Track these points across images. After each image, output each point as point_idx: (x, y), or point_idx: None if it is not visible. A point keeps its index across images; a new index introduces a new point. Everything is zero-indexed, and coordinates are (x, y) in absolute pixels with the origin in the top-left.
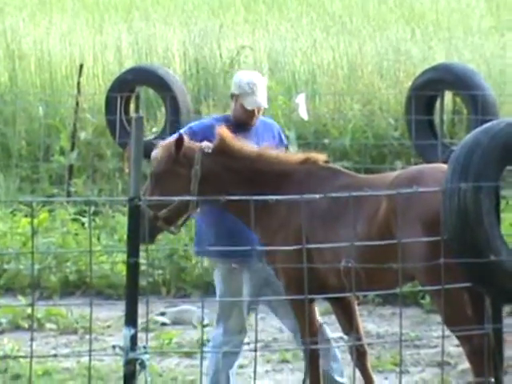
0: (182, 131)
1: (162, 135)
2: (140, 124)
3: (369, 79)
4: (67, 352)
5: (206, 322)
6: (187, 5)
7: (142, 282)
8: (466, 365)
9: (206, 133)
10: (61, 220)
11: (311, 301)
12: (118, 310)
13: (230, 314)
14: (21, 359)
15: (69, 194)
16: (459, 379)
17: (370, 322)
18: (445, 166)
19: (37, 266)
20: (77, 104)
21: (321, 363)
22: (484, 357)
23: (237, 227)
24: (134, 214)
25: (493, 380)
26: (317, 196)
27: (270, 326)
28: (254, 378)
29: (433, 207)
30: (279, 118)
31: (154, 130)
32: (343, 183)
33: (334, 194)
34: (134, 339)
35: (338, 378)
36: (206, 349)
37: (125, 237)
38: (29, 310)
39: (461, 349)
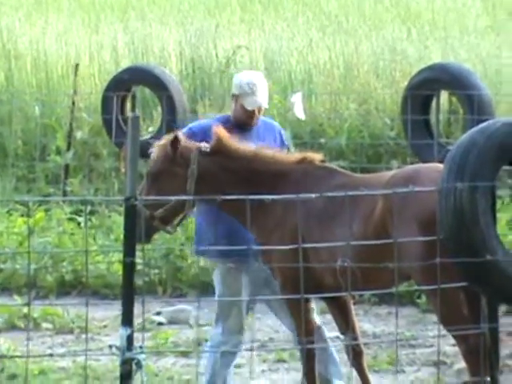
0: (182, 132)
1: (158, 135)
2: (136, 123)
3: (365, 79)
4: (63, 352)
5: (202, 321)
6: (183, 4)
7: (138, 282)
8: (461, 364)
9: (205, 133)
10: (57, 219)
11: (307, 300)
12: (114, 310)
13: (229, 314)
14: (17, 359)
15: (65, 194)
16: (455, 379)
17: (366, 322)
18: (441, 166)
19: (33, 266)
20: (73, 103)
21: (319, 367)
22: (480, 356)
23: (236, 227)
24: (131, 214)
25: (489, 379)
26: (313, 195)
27: (266, 325)
28: (251, 378)
29: (429, 207)
30: (275, 118)
31: (151, 129)
32: (339, 183)
33: (330, 194)
34: (130, 339)
35: (336, 382)
36: (202, 348)
37: (121, 236)
38: (25, 310)
39: (457, 348)
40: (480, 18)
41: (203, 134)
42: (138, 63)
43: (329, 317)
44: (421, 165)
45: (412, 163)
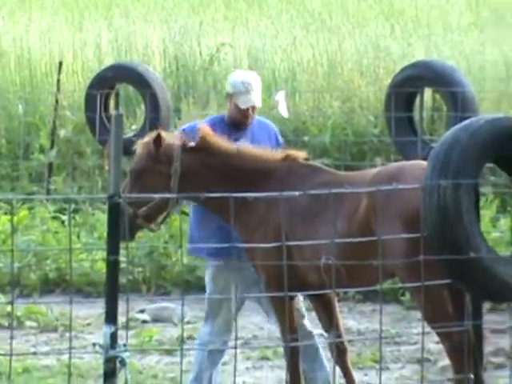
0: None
1: (141, 132)
2: (120, 121)
3: (348, 76)
4: (47, 350)
5: (186, 319)
6: (167, 2)
7: (122, 280)
8: (445, 361)
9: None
10: (40, 218)
11: (291, 298)
12: (97, 308)
13: (218, 312)
14: (0, 357)
15: (48, 192)
16: (439, 376)
17: (350, 319)
18: (424, 163)
19: (16, 264)
20: (56, 101)
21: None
22: (464, 353)
23: (225, 225)
24: (114, 212)
25: (472, 376)
26: (296, 193)
27: (250, 323)
28: (235, 375)
29: (412, 204)
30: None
31: (134, 127)
32: (323, 180)
33: (314, 192)
34: (114, 337)
35: (321, 379)
36: (186, 346)
37: (105, 234)
38: (8, 308)
39: (441, 345)
40: (463, 15)
41: (195, 134)
42: (122, 61)
43: (313, 314)
44: (404, 162)
45: (396, 160)
